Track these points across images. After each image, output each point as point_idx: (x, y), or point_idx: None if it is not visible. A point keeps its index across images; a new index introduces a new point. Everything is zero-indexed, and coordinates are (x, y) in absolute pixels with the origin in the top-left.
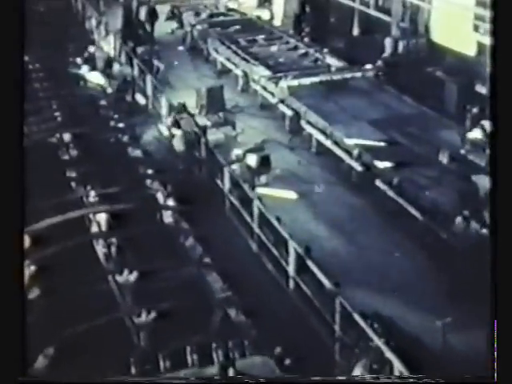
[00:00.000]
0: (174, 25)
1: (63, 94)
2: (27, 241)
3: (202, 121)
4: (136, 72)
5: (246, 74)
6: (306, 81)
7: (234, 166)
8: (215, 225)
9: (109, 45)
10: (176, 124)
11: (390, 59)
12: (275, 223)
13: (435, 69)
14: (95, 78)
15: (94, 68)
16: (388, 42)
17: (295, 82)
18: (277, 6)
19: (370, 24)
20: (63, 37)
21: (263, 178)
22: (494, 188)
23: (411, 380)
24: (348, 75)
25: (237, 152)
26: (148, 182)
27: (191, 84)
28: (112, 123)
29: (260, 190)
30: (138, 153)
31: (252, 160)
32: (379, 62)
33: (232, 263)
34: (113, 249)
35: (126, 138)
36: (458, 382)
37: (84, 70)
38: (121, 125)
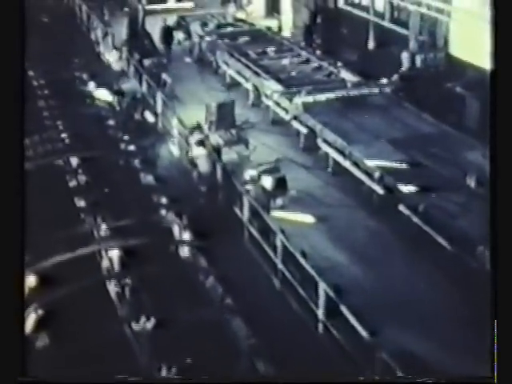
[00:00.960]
0: (180, 35)
1: (69, 112)
2: (33, 281)
3: (214, 138)
4: (144, 88)
5: (257, 89)
6: (322, 97)
7: (248, 186)
8: (235, 260)
9: (115, 57)
10: (201, 144)
11: (408, 74)
12: (301, 260)
13: (455, 84)
14: (103, 96)
15: (100, 84)
16: (405, 56)
17: (310, 99)
18: (285, 16)
19: (385, 37)
20: (68, 49)
21: (279, 201)
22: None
23: (411, 380)
24: (365, 91)
25: (251, 173)
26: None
27: (200, 97)
28: (122, 145)
29: (276, 214)
30: (150, 179)
31: (267, 182)
32: (395, 77)
33: (255, 304)
34: (127, 290)
35: (136, 162)
36: (458, 382)
37: (91, 86)
38: (131, 147)
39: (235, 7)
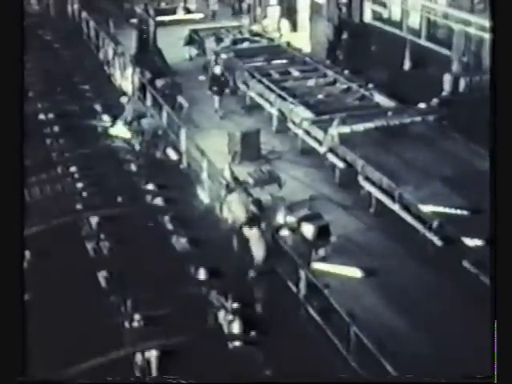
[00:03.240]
0: (192, 51)
1: (83, 155)
2: None
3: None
4: (164, 120)
5: (284, 115)
6: (359, 127)
7: (284, 232)
8: (294, 351)
9: (126, 80)
10: (252, 222)
11: (450, 98)
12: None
13: None
14: (120, 133)
15: (115, 117)
16: (447, 78)
17: (346, 129)
18: (303, 30)
19: (422, 56)
20: (76, 72)
21: (321, 251)
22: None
23: (411, 380)
24: (406, 119)
25: (289, 219)
26: (203, 287)
27: (217, 122)
28: (147, 197)
29: (318, 266)
30: (183, 243)
31: (309, 231)
32: (434, 101)
33: None
34: None
35: (166, 220)
36: (458, 382)
37: (105, 121)
38: (158, 201)
39: (249, 19)
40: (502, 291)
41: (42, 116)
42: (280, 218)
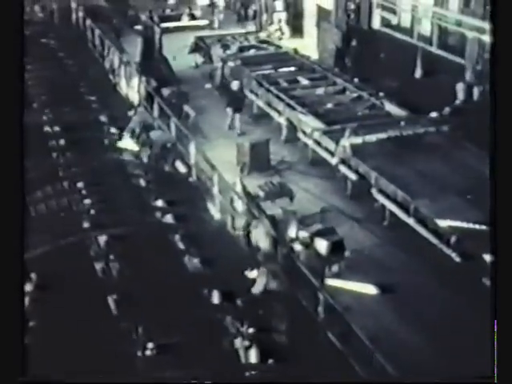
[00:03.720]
0: (198, 58)
1: (90, 170)
2: None
3: (250, 185)
4: (173, 132)
5: (293, 126)
6: (372, 137)
7: (297, 246)
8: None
9: (132, 89)
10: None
11: (463, 108)
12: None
13: None
14: (128, 146)
15: (122, 129)
16: (461, 87)
17: (359, 139)
18: (309, 36)
19: (433, 64)
20: (81, 81)
21: (335, 267)
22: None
23: (411, 380)
24: (420, 130)
25: (302, 234)
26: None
27: (225, 131)
28: (157, 214)
29: (331, 282)
30: (196, 263)
31: (322, 246)
32: (447, 110)
33: None
34: None
35: (177, 238)
36: (458, 382)
37: (112, 133)
38: (169, 218)
39: (255, 26)
40: (502, 291)
41: (47, 128)
42: (292, 232)
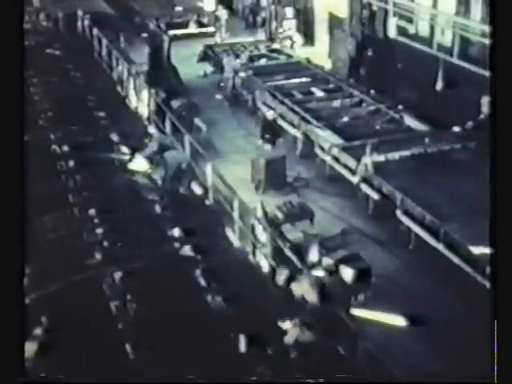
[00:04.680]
0: (207, 67)
1: (102, 195)
2: None
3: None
4: (188, 152)
5: (310, 140)
6: (395, 155)
7: (319, 273)
8: None
9: (142, 102)
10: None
11: (488, 122)
12: None
13: None
14: (140, 167)
15: (134, 149)
16: (486, 100)
17: (381, 157)
18: (320, 43)
19: (455, 75)
20: (88, 94)
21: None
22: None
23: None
24: (445, 146)
25: (327, 261)
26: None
27: (237, 145)
28: (175, 244)
29: (357, 312)
30: (220, 303)
31: (348, 275)
32: (469, 124)
33: None
34: None
35: (198, 273)
36: (458, 382)
37: (124, 153)
38: (187, 250)
39: (264, 34)
40: (502, 292)
41: (55, 147)
42: (313, 256)
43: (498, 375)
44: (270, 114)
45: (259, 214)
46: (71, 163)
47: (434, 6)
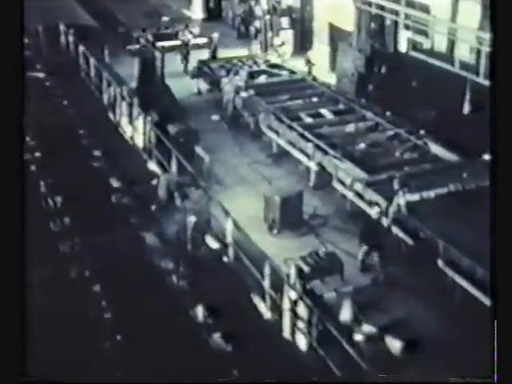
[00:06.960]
0: (202, 85)
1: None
2: None
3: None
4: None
5: (323, 168)
6: (430, 193)
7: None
8: None
9: (137, 131)
10: None
11: None
12: None
13: None
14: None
15: (132, 181)
16: None
17: (416, 197)
18: (318, 54)
19: (481, 96)
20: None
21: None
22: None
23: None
24: (486, 182)
25: (368, 329)
26: None
27: (242, 175)
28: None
29: None
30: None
31: (395, 346)
32: None
33: None
34: None
35: (218, 341)
36: (457, 382)
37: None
38: (218, 339)
39: (260, 46)
40: (502, 292)
41: (48, 200)
42: (346, 315)
43: (497, 375)
44: (374, 212)
45: (293, 277)
46: (66, 220)
47: (453, 19)
